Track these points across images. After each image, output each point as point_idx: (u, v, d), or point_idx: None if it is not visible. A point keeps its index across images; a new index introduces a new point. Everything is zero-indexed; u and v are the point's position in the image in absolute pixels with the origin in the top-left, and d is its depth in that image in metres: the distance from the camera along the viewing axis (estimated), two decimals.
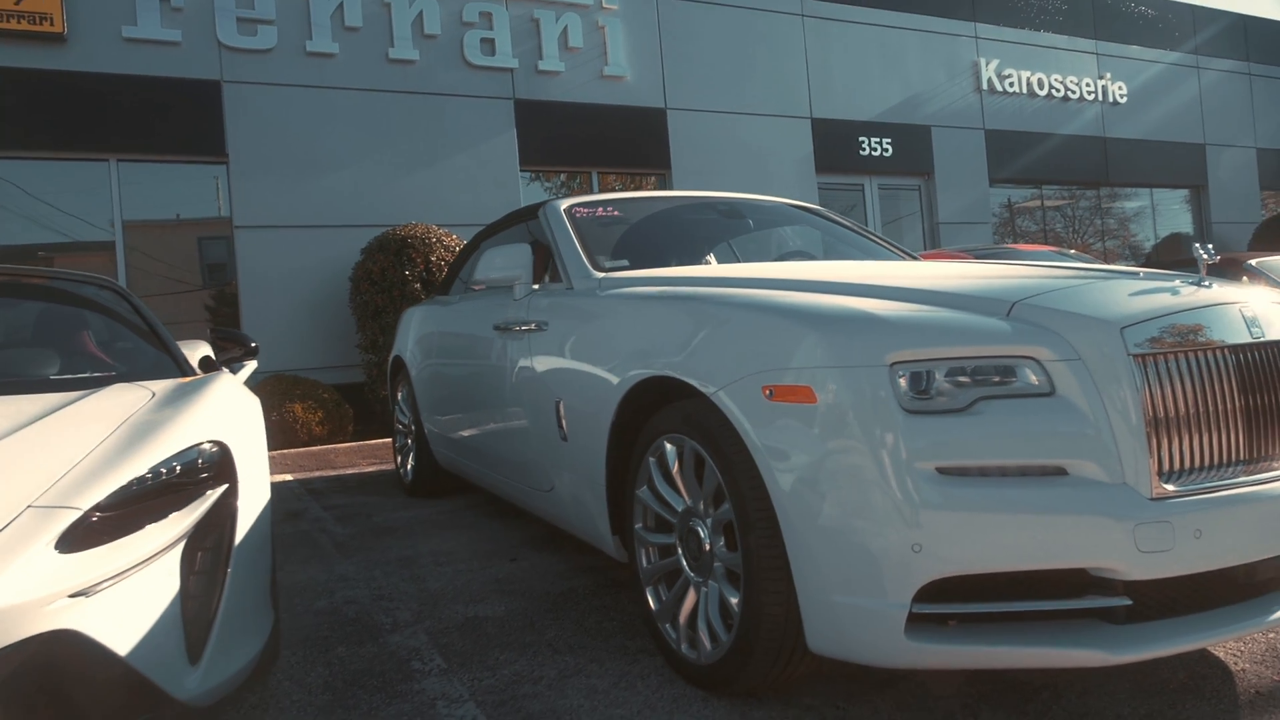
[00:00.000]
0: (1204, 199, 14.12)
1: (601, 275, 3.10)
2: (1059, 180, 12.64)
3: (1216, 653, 2.46)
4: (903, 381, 1.85)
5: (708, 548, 2.27)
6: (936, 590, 1.85)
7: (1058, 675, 2.30)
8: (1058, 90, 12.40)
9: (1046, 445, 1.82)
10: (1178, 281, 2.10)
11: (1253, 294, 2.13)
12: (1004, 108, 11.93)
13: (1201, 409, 1.90)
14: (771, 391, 2.00)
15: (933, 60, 11.37)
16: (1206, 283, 2.09)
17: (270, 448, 6.47)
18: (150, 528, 1.87)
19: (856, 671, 2.34)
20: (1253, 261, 6.84)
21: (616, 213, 3.66)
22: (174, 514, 1.93)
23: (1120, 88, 13.02)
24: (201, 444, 2.14)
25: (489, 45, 8.65)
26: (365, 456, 6.74)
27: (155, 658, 1.79)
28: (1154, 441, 1.83)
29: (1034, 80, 12.17)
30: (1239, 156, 14.43)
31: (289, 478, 6.26)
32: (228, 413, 2.37)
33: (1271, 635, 2.57)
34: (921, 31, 11.29)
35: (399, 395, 5.35)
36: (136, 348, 3.04)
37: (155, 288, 7.75)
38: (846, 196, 10.92)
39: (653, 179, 9.74)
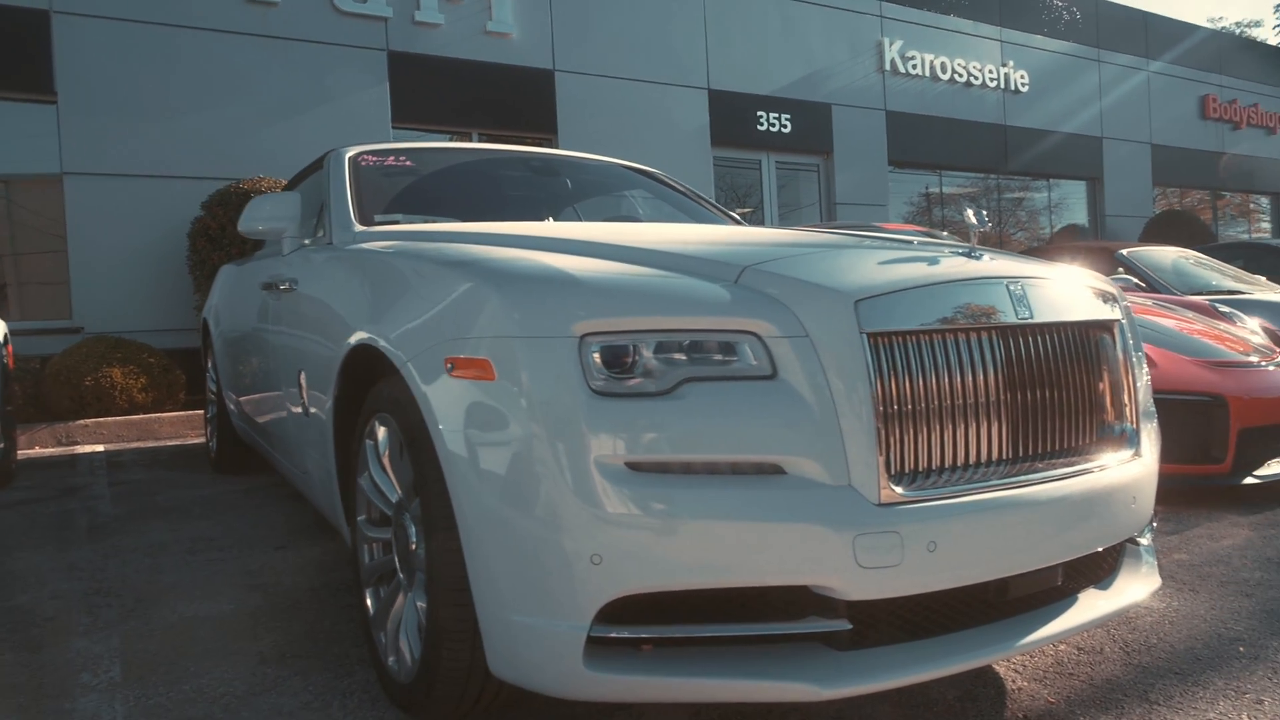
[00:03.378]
0: (1099, 191, 14.31)
1: (361, 228, 2.70)
2: (958, 166, 12.61)
3: (997, 668, 2.23)
4: (596, 357, 1.52)
5: (413, 547, 1.92)
6: (632, 609, 1.54)
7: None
8: (960, 75, 12.32)
9: (761, 438, 1.52)
10: (945, 252, 1.82)
11: (1032, 269, 1.85)
12: (906, 90, 11.80)
13: (947, 400, 1.62)
14: (452, 364, 1.65)
15: (835, 37, 11.15)
16: (977, 254, 1.81)
17: (82, 416, 5.91)
18: None
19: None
20: (1124, 251, 6.78)
21: (409, 163, 3.26)
22: None
23: (1023, 76, 13.03)
24: None
25: None
26: (195, 427, 6.21)
27: None
28: (884, 437, 1.54)
29: (937, 64, 12.06)
30: (1134, 151, 14.65)
31: (100, 449, 5.72)
32: None
33: (1062, 648, 2.35)
34: (825, 7, 11.05)
35: (209, 362, 4.86)
36: None
37: None
38: (744, 172, 10.65)
39: (540, 143, 9.29)
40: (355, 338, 2.09)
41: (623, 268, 1.69)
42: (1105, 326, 1.92)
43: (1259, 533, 3.37)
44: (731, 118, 10.26)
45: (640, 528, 1.48)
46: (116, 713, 1.99)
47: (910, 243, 1.92)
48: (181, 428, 6.17)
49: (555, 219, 3.32)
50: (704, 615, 1.57)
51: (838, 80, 11.14)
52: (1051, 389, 1.77)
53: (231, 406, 4.14)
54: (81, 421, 5.90)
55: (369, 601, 2.16)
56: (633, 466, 1.50)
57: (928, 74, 11.98)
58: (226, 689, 2.10)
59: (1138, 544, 2.04)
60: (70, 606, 2.67)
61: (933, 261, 1.72)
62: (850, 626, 1.54)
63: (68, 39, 6.96)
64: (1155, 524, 2.23)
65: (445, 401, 1.66)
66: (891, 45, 11.59)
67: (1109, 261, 6.77)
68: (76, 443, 5.86)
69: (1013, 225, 13.80)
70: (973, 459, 1.66)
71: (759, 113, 10.47)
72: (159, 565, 3.05)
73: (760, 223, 10.71)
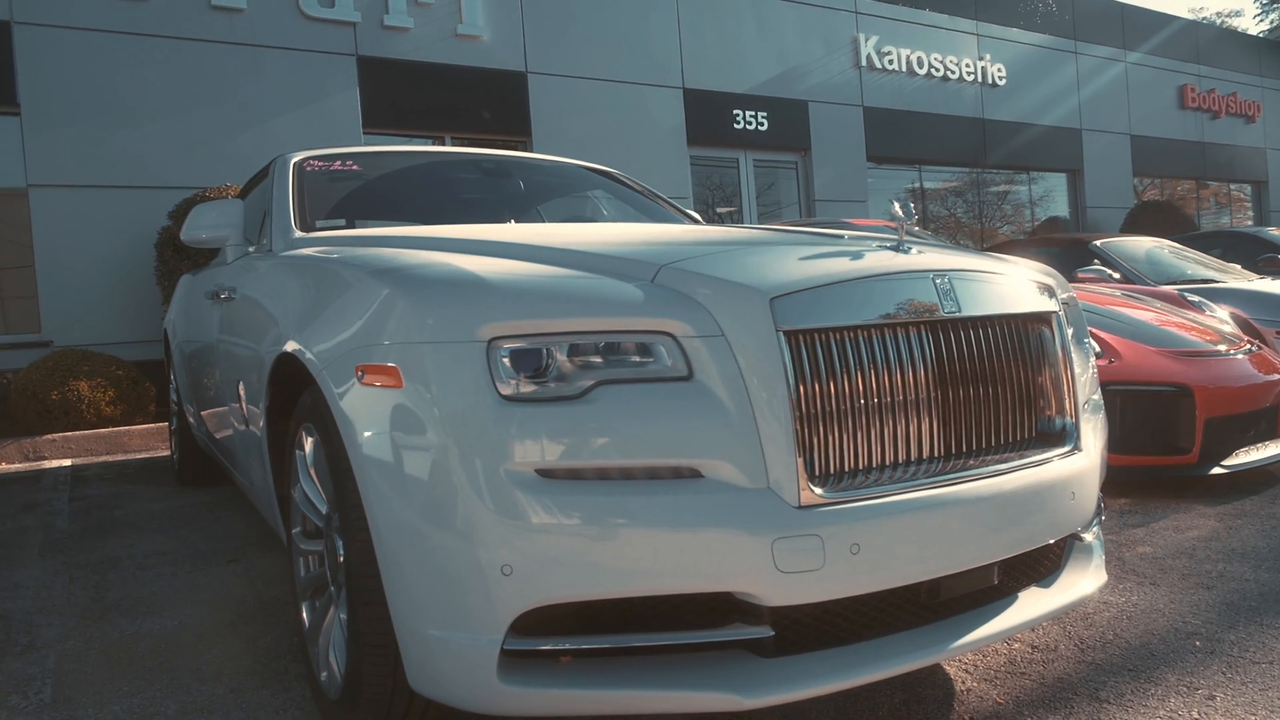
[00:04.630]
0: (1080, 183, 14.31)
1: (300, 234, 2.66)
2: (938, 161, 12.59)
3: (947, 668, 2.19)
4: (506, 361, 1.48)
5: (341, 559, 1.87)
6: (554, 620, 1.49)
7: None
8: (937, 70, 12.31)
9: (677, 442, 1.48)
10: (873, 246, 1.78)
11: (962, 262, 1.81)
12: (883, 85, 11.78)
13: (872, 398, 1.58)
14: (363, 372, 1.60)
15: (811, 34, 11.12)
16: (905, 248, 1.77)
17: (49, 431, 5.84)
18: None
19: None
20: (1098, 242, 6.76)
21: (355, 167, 3.21)
22: None
23: (1000, 70, 13.02)
24: None
25: None
26: (165, 439, 6.13)
27: None
28: (803, 438, 1.50)
29: (914, 59, 12.04)
30: (1114, 142, 14.67)
31: (67, 463, 5.65)
32: None
33: (1015, 646, 2.32)
34: (800, 4, 11.02)
35: (171, 373, 4.80)
36: None
37: None
38: (721, 171, 10.62)
39: (514, 146, 9.24)
40: (280, 346, 2.04)
41: (536, 269, 1.65)
42: (1042, 319, 1.89)
43: (1225, 523, 3.35)
44: (708, 116, 10.23)
45: (552, 537, 1.43)
46: None
47: (841, 238, 1.88)
48: (152, 440, 6.10)
49: (507, 221, 3.28)
50: (629, 624, 1.53)
51: (814, 77, 11.12)
52: (983, 384, 1.73)
53: (191, 418, 4.09)
54: (49, 436, 5.82)
55: (304, 615, 2.11)
56: (544, 474, 1.46)
57: (904, 69, 11.96)
58: (157, 709, 2.05)
59: (1082, 539, 2.00)
60: (10, 626, 2.61)
61: (856, 256, 1.68)
62: (772, 633, 1.50)
63: (29, 50, 6.89)
64: (1103, 518, 2.19)
65: (357, 410, 1.61)
66: (867, 41, 11.56)
67: (1084, 252, 6.75)
68: (44, 458, 5.79)
69: (998, 219, 13.80)
70: (901, 457, 1.62)
71: (735, 111, 10.44)
72: (107, 582, 3.00)
73: (739, 221, 10.69)
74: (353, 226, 2.89)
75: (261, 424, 2.26)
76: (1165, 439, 3.74)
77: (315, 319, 1.88)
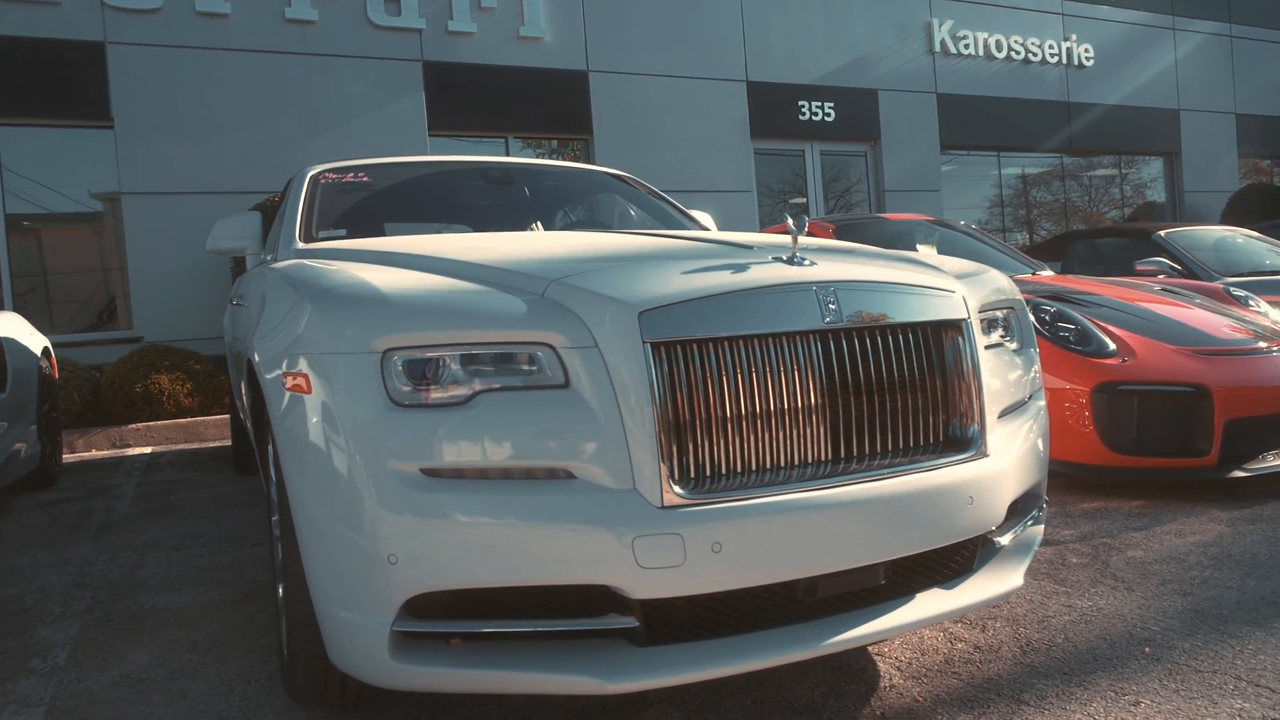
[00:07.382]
0: (1177, 167, 13.63)
1: (301, 245, 2.88)
2: (1019, 147, 12.20)
3: (880, 663, 2.25)
4: (399, 370, 1.63)
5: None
6: (449, 604, 1.64)
7: (664, 691, 2.08)
8: (1018, 53, 11.92)
9: (551, 445, 1.61)
10: (767, 258, 1.85)
11: (856, 272, 1.86)
12: (959, 71, 11.48)
13: (745, 406, 1.67)
14: (287, 379, 1.79)
15: (881, 21, 10.94)
16: (799, 259, 1.84)
17: (134, 420, 6.34)
18: None
19: None
20: (1161, 233, 6.50)
21: (366, 179, 3.43)
22: None
23: (1087, 50, 12.50)
24: None
25: (394, 5, 8.34)
26: None
27: None
28: (668, 443, 1.60)
29: (992, 42, 11.69)
30: (1216, 122, 13.89)
31: (147, 450, 6.13)
32: None
33: (958, 645, 2.35)
34: None
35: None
36: None
37: (43, 260, 7.60)
38: (786, 162, 10.58)
39: (576, 145, 9.45)
40: (251, 353, 2.25)
41: (439, 282, 1.79)
42: (948, 327, 1.92)
43: (1233, 529, 3.25)
44: (772, 109, 10.20)
45: (432, 531, 1.58)
46: (47, 694, 2.21)
47: (750, 248, 1.96)
48: (224, 429, 6.54)
49: (515, 228, 3.44)
50: (520, 611, 1.67)
51: (884, 65, 10.94)
52: (872, 392, 1.79)
53: (240, 412, 4.42)
54: (133, 425, 6.33)
55: (280, 595, 2.33)
56: (429, 473, 1.61)
57: (981, 53, 11.64)
58: (149, 674, 2.30)
59: (995, 543, 2.03)
60: (49, 598, 2.93)
61: (740, 269, 1.76)
62: (638, 624, 1.61)
63: (121, 67, 7.44)
64: (1034, 522, 2.21)
65: (281, 412, 1.80)
66: (941, 25, 11.29)
67: (1147, 244, 6.51)
68: (129, 445, 6.29)
69: (1102, 203, 13.29)
70: (782, 462, 1.70)
71: (800, 102, 10.37)
72: (142, 561, 3.31)
73: (806, 213, 10.63)
74: (351, 237, 3.09)
75: (249, 424, 2.48)
76: (1182, 440, 3.64)
77: (268, 327, 2.07)
